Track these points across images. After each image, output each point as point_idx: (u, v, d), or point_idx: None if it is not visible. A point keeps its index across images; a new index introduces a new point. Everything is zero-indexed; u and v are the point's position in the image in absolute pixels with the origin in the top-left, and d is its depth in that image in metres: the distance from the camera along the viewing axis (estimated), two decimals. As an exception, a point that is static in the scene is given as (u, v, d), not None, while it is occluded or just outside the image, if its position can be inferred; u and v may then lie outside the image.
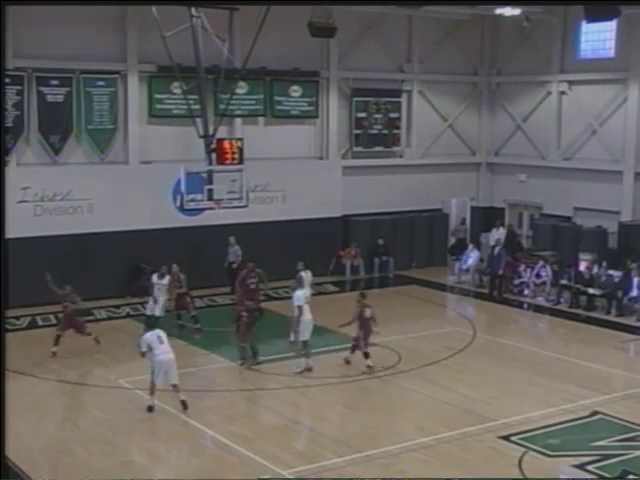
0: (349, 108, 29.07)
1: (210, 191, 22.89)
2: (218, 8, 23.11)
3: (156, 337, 16.01)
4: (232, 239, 25.47)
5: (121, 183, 24.81)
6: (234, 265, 25.15)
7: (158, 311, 20.67)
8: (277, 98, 27.45)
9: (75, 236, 23.98)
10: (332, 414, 16.54)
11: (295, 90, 27.75)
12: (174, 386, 15.97)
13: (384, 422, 15.65)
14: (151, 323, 18.65)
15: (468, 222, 31.50)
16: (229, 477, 13.32)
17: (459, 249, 29.62)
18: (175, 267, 21.58)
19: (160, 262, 23.97)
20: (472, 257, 28.24)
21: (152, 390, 15.87)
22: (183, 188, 22.46)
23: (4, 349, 9.51)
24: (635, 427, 15.20)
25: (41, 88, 23.72)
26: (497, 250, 26.57)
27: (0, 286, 9.41)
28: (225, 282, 25.07)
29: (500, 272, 26.10)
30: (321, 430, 15.45)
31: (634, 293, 23.80)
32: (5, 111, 22.34)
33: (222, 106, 24.79)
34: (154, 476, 13.31)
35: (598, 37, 28.52)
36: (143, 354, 16.23)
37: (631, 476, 13.29)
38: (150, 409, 15.77)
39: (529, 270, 26.40)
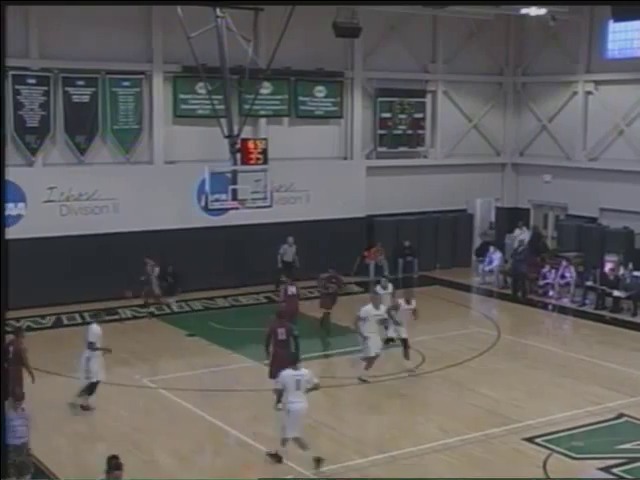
0: (373, 108, 29.02)
1: (234, 191, 22.94)
2: (243, 8, 23.17)
3: (295, 380, 13.46)
4: (290, 239, 25.56)
5: (146, 183, 24.92)
6: (294, 265, 25.44)
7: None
8: (301, 98, 27.46)
9: (100, 236, 24.10)
10: (355, 415, 16.52)
11: (319, 90, 27.75)
12: (296, 439, 13.42)
13: (408, 423, 15.62)
14: None
15: (492, 222, 31.32)
16: (252, 477, 13.33)
17: (484, 251, 29.48)
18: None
19: (185, 262, 24.16)
20: (496, 258, 28.12)
21: (284, 444, 13.58)
22: (207, 188, 22.53)
23: (4, 349, 9.56)
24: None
25: (67, 88, 23.87)
26: (521, 250, 26.47)
27: (0, 286, 9.44)
28: (274, 280, 25.36)
29: (523, 271, 26.01)
30: (344, 431, 15.43)
31: (661, 295, 23.62)
32: (5, 111, 22.29)
33: (246, 106, 24.83)
34: (178, 476, 13.35)
35: (625, 37, 28.27)
36: (279, 397, 13.91)
37: (656, 479, 13.20)
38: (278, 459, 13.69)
39: (554, 271, 26.24)
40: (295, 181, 27.06)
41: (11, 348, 14.81)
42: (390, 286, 20.82)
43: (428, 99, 30.15)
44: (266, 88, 26.27)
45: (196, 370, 18.69)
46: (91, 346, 15.70)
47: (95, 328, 16.00)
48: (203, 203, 23.23)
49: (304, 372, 13.61)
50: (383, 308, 18.32)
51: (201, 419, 15.69)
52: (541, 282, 26.33)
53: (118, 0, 23.24)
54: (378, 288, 20.88)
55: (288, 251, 25.61)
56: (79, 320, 22.28)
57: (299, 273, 25.96)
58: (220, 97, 23.96)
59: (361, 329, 17.79)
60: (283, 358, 15.15)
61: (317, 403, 16.44)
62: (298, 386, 13.40)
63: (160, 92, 25.30)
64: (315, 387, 13.77)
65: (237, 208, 23.62)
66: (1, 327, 9.78)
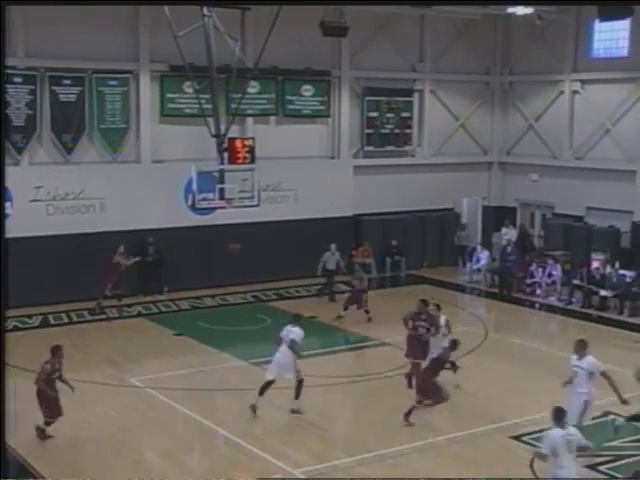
0: (361, 107, 29.05)
1: (222, 190, 22.92)
2: (230, 7, 23.14)
3: (566, 441, 11.16)
4: (333, 246, 25.37)
5: (133, 182, 24.87)
6: (335, 272, 25.42)
7: None
8: (289, 97, 27.46)
9: (87, 235, 24.02)
10: (343, 413, 16.55)
11: (307, 89, 27.76)
12: None
13: (395, 422, 15.62)
14: None
15: (480, 222, 31.36)
16: (240, 476, 13.34)
17: (461, 255, 29.47)
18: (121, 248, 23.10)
19: (172, 261, 24.17)
20: (483, 257, 28.21)
21: None
22: (195, 187, 22.50)
23: (4, 349, 9.52)
24: (648, 428, 15.15)
25: (54, 87, 23.79)
26: (509, 250, 26.58)
27: (0, 286, 9.40)
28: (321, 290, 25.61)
29: (511, 271, 26.13)
30: (332, 429, 15.45)
31: (647, 293, 23.75)
32: (6, 110, 22.34)
33: (234, 105, 24.82)
34: (166, 475, 13.34)
35: (611, 36, 28.40)
36: (544, 458, 11.48)
37: (643, 477, 13.27)
38: None
39: (541, 270, 26.34)
40: (282, 180, 27.07)
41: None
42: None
43: (415, 98, 30.19)
44: (253, 87, 26.25)
45: (184, 369, 18.67)
46: None
47: None
48: (190, 202, 23.20)
49: (574, 431, 11.48)
50: None
51: (189, 418, 15.68)
52: (528, 281, 26.43)
53: (114, 0, 23.21)
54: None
55: (330, 259, 25.28)
56: (66, 320, 22.25)
57: (286, 272, 26.10)
58: (207, 96, 23.92)
59: None
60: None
61: (305, 402, 16.50)
62: (570, 448, 11.22)
63: (147, 91, 25.25)
64: (585, 449, 11.86)
65: (224, 207, 23.59)
66: (1, 327, 9.74)
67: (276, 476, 13.13)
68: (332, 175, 28.29)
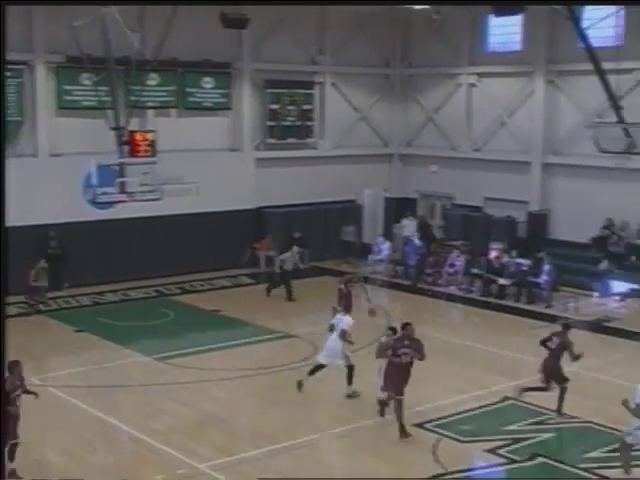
0: (262, 100, 29.04)
1: (122, 184, 22.60)
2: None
3: None
4: (295, 248, 25.22)
5: (30, 177, 24.27)
6: (291, 273, 24.91)
7: None
8: (189, 89, 27.24)
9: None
10: (249, 406, 16.55)
11: (207, 82, 27.59)
12: None
13: (301, 413, 15.74)
14: None
15: (381, 213, 31.71)
16: (145, 473, 13.22)
17: (348, 251, 29.63)
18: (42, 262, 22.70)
19: (72, 256, 23.71)
20: (385, 249, 28.59)
21: None
22: (95, 181, 22.12)
23: (4, 349, 9.27)
24: (544, 411, 15.62)
25: (-56, 79, 23.04)
26: (415, 241, 27.08)
27: (0, 282, 9.16)
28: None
29: (415, 262, 26.63)
30: (238, 422, 15.45)
31: (543, 280, 24.42)
32: (5, 110, 21.62)
33: (133, 98, 24.46)
34: (69, 474, 13.12)
35: (505, 31, 29.09)
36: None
37: (540, 458, 13.68)
38: None
39: (442, 260, 26.83)
40: (184, 173, 26.71)
41: None
42: None
43: (316, 91, 30.34)
44: (153, 79, 25.96)
45: (86, 366, 18.36)
46: None
47: None
48: (91, 196, 22.81)
49: None
50: None
51: (92, 416, 15.44)
52: (430, 270, 26.88)
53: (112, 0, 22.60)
54: None
55: (289, 260, 24.96)
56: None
57: (189, 266, 25.96)
58: (106, 88, 23.51)
59: None
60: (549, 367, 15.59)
61: (208, 395, 16.47)
62: None
63: (43, 83, 24.70)
64: None
65: (125, 201, 23.27)
66: (1, 322, 9.43)
67: (180, 471, 13.06)
68: (234, 168, 28.22)
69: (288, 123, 29.59)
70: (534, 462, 13.56)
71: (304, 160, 29.93)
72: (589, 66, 23.64)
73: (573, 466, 13.43)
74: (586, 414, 15.57)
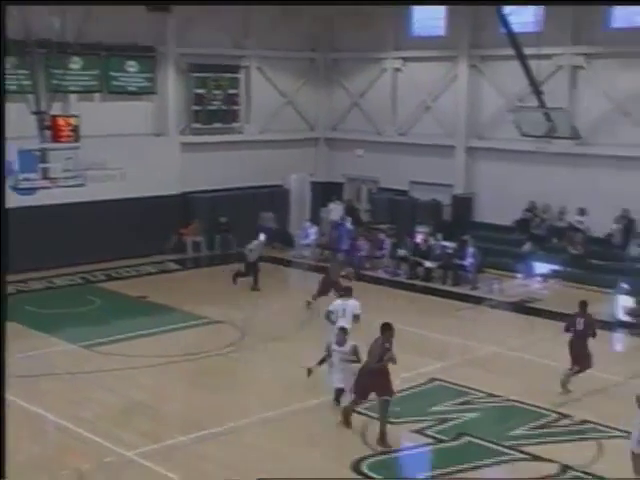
0: (187, 84, 28.78)
1: (45, 170, 22.19)
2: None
3: None
4: (262, 236, 24.80)
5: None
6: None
7: None
8: (113, 74, 26.83)
9: None
10: (177, 393, 16.48)
11: (131, 65, 27.21)
12: None
13: (229, 399, 15.74)
14: None
15: (308, 197, 31.77)
16: (72, 462, 13.09)
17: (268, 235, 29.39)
18: None
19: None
20: (312, 233, 28.69)
21: None
22: (16, 167, 21.67)
23: (4, 348, 9.03)
24: (469, 391, 15.91)
25: None
26: (347, 225, 27.28)
27: (0, 278, 8.89)
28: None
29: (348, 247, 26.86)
30: (166, 409, 15.38)
31: (468, 263, 24.80)
32: (5, 108, 20.78)
33: (55, 81, 24.00)
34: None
35: (430, 15, 29.33)
36: None
37: (466, 437, 13.94)
38: None
39: (369, 243, 27.02)
40: (108, 159, 26.46)
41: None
42: None
43: (242, 75, 30.18)
44: (76, 63, 25.50)
45: (10, 356, 17.92)
46: None
47: None
48: (12, 182, 22.34)
49: None
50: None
51: (17, 406, 15.17)
52: (357, 254, 27.05)
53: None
54: None
55: (258, 248, 24.52)
56: None
57: (114, 252, 25.68)
58: (26, 72, 23.03)
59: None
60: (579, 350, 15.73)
61: (135, 382, 16.35)
62: None
63: (-39, 66, 24.04)
64: None
65: (48, 187, 22.85)
66: (1, 317, 9.15)
67: (108, 459, 12.96)
68: (159, 153, 27.93)
69: (214, 107, 29.40)
70: (460, 441, 13.81)
71: (230, 145, 29.78)
72: (511, 51, 24.08)
73: (498, 444, 13.72)
74: (509, 392, 15.90)
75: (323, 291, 21.19)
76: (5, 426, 9.04)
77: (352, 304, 17.01)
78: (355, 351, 14.65)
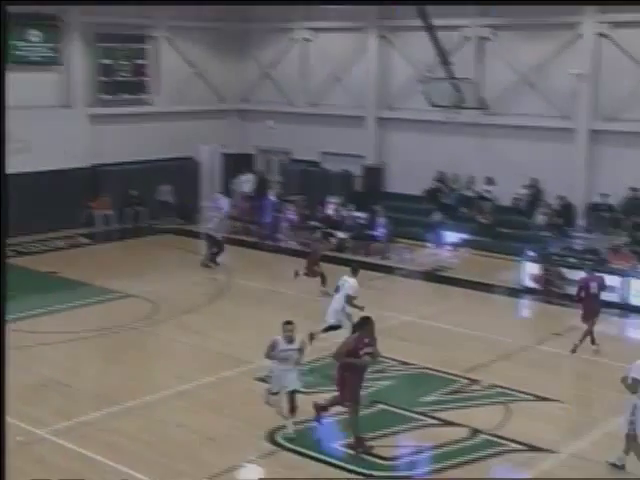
0: (94, 54, 28.19)
1: (-54, 143, 21.52)
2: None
3: None
4: (222, 213, 24.39)
5: None
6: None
7: None
8: (15, 43, 26.05)
9: None
10: (89, 368, 16.31)
11: (35, 35, 26.51)
12: None
13: (142, 373, 15.67)
14: None
15: (219, 169, 31.57)
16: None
17: (165, 210, 29.18)
18: None
19: None
20: (223, 205, 28.54)
21: None
22: None
23: (4, 347, 8.68)
24: (383, 360, 16.07)
25: None
26: (271, 197, 27.33)
27: (1, 273, 8.53)
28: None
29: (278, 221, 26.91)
30: (78, 385, 15.20)
31: (379, 233, 25.06)
32: (5, 109, 19.73)
33: (-46, 52, 23.25)
34: None
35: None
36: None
37: (380, 405, 14.16)
38: None
39: (281, 215, 27.05)
40: (13, 131, 25.56)
41: None
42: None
43: (150, 45, 29.70)
44: (-25, 32, 24.71)
45: None
46: None
47: None
48: None
49: None
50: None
51: None
52: (269, 225, 27.05)
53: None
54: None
55: (219, 225, 24.26)
56: None
57: (24, 227, 25.16)
58: None
59: None
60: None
61: (46, 359, 16.11)
62: None
63: None
64: None
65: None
66: (1, 309, 8.76)
67: (19, 438, 12.75)
68: (66, 125, 27.36)
69: (122, 79, 28.89)
70: (373, 409, 14.01)
71: (140, 117, 29.34)
72: (420, 22, 24.28)
73: (410, 410, 13.99)
74: (422, 360, 16.21)
75: (312, 272, 21.01)
76: (5, 426, 8.84)
77: (348, 284, 16.90)
78: (303, 347, 13.22)
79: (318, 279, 20.87)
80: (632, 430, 11.78)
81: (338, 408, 13.01)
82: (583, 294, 17.06)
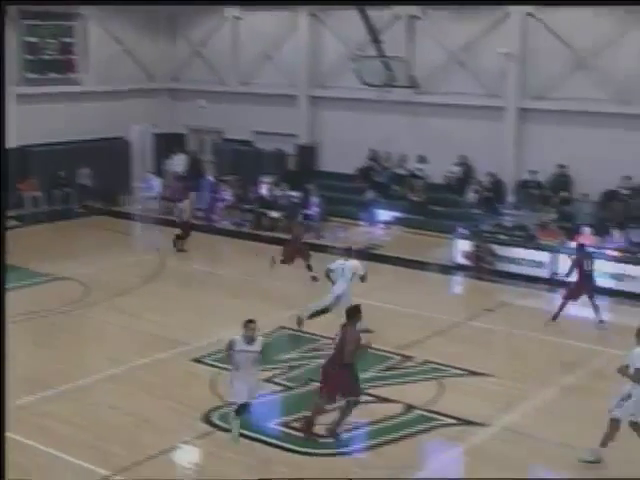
0: (19, 32, 27.53)
1: None
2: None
3: None
4: (192, 195, 24.03)
5: None
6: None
7: None
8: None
9: None
10: (20, 353, 15.99)
11: (-45, 11, 25.81)
12: None
13: (75, 356, 15.51)
14: None
15: (150, 149, 31.26)
16: None
17: (83, 194, 28.61)
18: None
19: None
20: (155, 185, 28.33)
21: None
22: None
23: (4, 347, 8.40)
24: (317, 338, 16.22)
25: None
26: (209, 178, 27.17)
27: (1, 269, 8.24)
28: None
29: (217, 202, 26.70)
30: (9, 370, 14.90)
31: (313, 211, 25.11)
32: (5, 106, 18.82)
33: None
34: None
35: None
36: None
37: (315, 383, 14.23)
38: None
39: (214, 194, 26.91)
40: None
41: None
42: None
43: (79, 23, 29.14)
44: None
45: None
46: None
47: None
48: None
49: None
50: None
51: None
52: (202, 206, 26.87)
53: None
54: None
55: (187, 208, 23.63)
56: None
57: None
58: None
59: None
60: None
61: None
62: None
63: None
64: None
65: None
66: (1, 307, 8.45)
67: None
68: (-8, 105, 26.71)
69: (48, 57, 28.31)
70: (309, 387, 14.08)
71: (68, 96, 28.80)
72: (350, 0, 24.26)
73: (345, 388, 14.07)
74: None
75: (289, 258, 20.22)
76: (5, 426, 8.65)
77: (350, 265, 16.67)
78: (265, 349, 12.35)
79: (296, 264, 20.22)
80: (635, 418, 11.31)
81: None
82: (577, 272, 17.45)
